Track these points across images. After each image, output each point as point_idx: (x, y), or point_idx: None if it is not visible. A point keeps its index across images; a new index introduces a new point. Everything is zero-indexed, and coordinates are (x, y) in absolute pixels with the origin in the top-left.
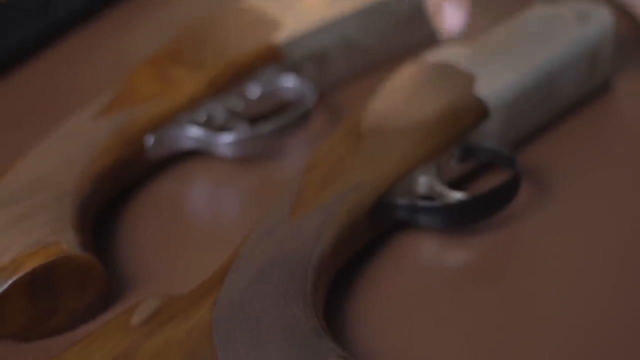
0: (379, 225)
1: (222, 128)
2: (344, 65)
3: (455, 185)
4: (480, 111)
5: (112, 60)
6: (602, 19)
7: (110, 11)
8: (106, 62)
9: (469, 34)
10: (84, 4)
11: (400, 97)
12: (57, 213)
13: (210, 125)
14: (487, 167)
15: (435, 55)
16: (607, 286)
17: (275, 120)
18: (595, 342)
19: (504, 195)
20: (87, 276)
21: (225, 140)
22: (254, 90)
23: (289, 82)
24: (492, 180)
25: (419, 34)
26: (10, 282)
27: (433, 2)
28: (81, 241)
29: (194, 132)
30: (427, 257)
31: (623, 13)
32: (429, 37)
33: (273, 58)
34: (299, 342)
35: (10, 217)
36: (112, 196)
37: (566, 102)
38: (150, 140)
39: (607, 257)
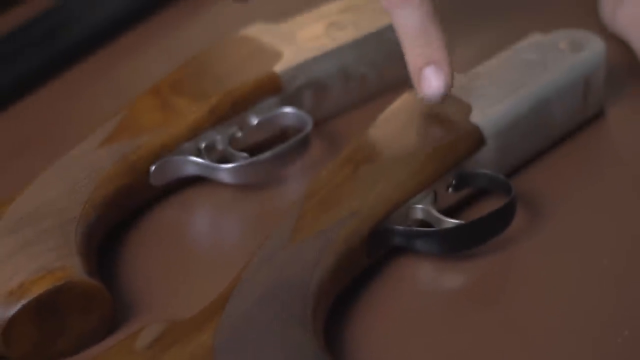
0: (377, 251)
1: (223, 156)
2: (342, 95)
3: (451, 209)
4: (476, 139)
5: (115, 89)
6: (595, 47)
7: (112, 42)
8: (109, 91)
9: (466, 63)
10: (87, 36)
11: (397, 126)
12: (62, 239)
13: (210, 153)
14: (483, 193)
15: None
16: (603, 309)
17: (275, 148)
18: None
19: (500, 220)
20: (93, 301)
21: (226, 168)
22: (253, 119)
23: (287, 111)
24: (488, 206)
25: None
26: (18, 306)
27: (413, 67)
28: (86, 267)
29: (195, 161)
30: (424, 282)
31: (616, 42)
32: None
33: (272, 87)
34: None
35: (18, 243)
36: (116, 222)
37: (560, 129)
38: (152, 168)
39: (602, 280)
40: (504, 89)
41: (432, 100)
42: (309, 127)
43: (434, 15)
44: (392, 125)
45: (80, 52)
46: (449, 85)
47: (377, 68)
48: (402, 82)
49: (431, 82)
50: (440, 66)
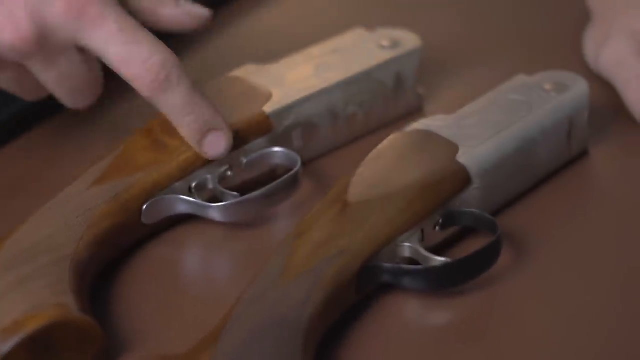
0: (366, 288)
1: (213, 195)
2: (330, 134)
3: (438, 247)
4: (462, 178)
5: (108, 129)
6: (579, 88)
7: (106, 81)
8: (103, 131)
9: (453, 104)
10: None
11: (385, 165)
12: (56, 276)
13: (201, 192)
14: (469, 230)
15: (419, 124)
16: (587, 344)
17: (264, 187)
18: None
19: (486, 258)
20: (86, 338)
21: (216, 207)
22: (243, 158)
23: (277, 150)
24: (474, 243)
25: (404, 103)
26: (12, 343)
27: (192, 138)
28: (80, 304)
29: (186, 199)
30: (411, 318)
31: (600, 82)
32: (413, 107)
33: (262, 127)
34: None
35: (12, 280)
36: (109, 260)
37: (545, 169)
38: (144, 207)
39: (585, 316)
40: (490, 130)
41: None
42: (298, 166)
43: (195, 87)
44: (380, 165)
45: None
46: (231, 141)
47: (366, 108)
48: (390, 121)
49: (216, 145)
50: (219, 128)
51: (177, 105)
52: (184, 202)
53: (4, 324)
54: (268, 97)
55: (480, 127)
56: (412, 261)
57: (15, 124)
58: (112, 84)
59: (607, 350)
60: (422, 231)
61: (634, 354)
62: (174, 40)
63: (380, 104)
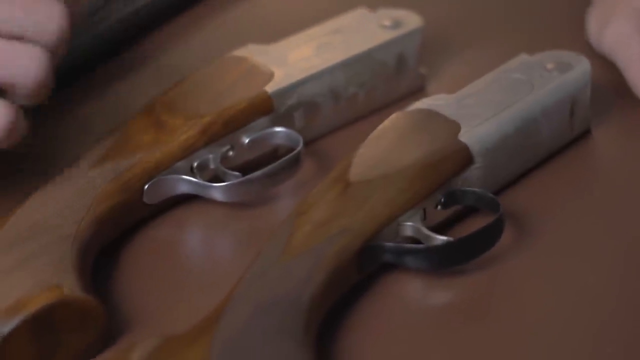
0: (367, 267)
1: (215, 175)
2: (332, 114)
3: (440, 226)
4: (464, 157)
5: (109, 109)
6: (581, 67)
7: (106, 61)
8: (103, 111)
9: (455, 83)
10: (81, 56)
11: (387, 144)
12: (58, 256)
13: (203, 172)
14: (471, 210)
15: (421, 104)
16: (590, 322)
17: (266, 167)
18: None
19: (488, 237)
20: (88, 317)
21: (218, 187)
22: (245, 138)
23: (279, 130)
24: (476, 223)
25: (406, 83)
26: (14, 323)
27: None
28: (82, 283)
29: (187, 179)
30: (413, 297)
31: (602, 61)
32: (415, 87)
33: (264, 107)
34: None
35: (14, 260)
36: (111, 239)
37: (547, 148)
38: (146, 187)
39: (588, 295)
40: (492, 109)
41: None
42: (300, 146)
43: None
44: (382, 144)
45: (76, 72)
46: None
47: (367, 88)
48: (392, 101)
49: None
50: None
51: None
52: (186, 182)
53: (6, 304)
54: (270, 76)
55: (482, 106)
56: (414, 240)
57: None
58: (113, 62)
59: (610, 329)
60: (424, 210)
61: (636, 333)
62: (175, 18)
63: (382, 84)
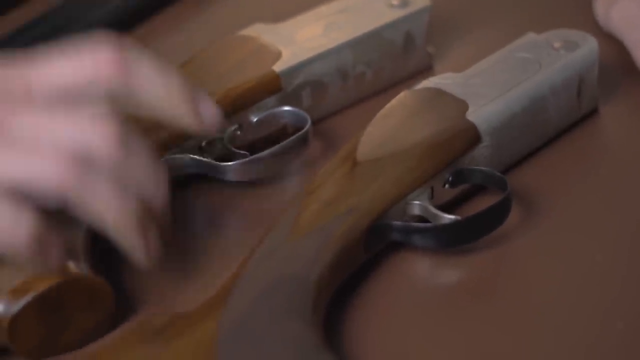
0: (375, 246)
1: (223, 154)
2: (340, 93)
3: (448, 205)
4: (472, 136)
5: None
6: (588, 46)
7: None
8: None
9: (462, 62)
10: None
11: (394, 124)
12: (66, 236)
13: (211, 151)
14: (478, 189)
15: (429, 82)
16: (597, 302)
17: (274, 146)
18: (585, 356)
19: (496, 216)
20: (96, 297)
21: (226, 166)
22: (253, 117)
23: (286, 109)
24: (484, 201)
25: (413, 62)
26: (23, 302)
27: None
28: (89, 263)
29: (196, 159)
30: (421, 276)
31: (609, 40)
32: (422, 66)
33: (272, 86)
34: (302, 358)
35: None
36: None
37: (555, 127)
38: None
39: (595, 274)
40: (499, 88)
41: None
42: (308, 125)
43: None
44: (389, 123)
45: None
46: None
47: (375, 67)
48: (399, 80)
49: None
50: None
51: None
52: (194, 162)
53: (14, 284)
54: (277, 56)
55: (489, 85)
56: (421, 219)
57: None
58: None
59: (618, 306)
60: (432, 189)
61: None
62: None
63: (390, 63)
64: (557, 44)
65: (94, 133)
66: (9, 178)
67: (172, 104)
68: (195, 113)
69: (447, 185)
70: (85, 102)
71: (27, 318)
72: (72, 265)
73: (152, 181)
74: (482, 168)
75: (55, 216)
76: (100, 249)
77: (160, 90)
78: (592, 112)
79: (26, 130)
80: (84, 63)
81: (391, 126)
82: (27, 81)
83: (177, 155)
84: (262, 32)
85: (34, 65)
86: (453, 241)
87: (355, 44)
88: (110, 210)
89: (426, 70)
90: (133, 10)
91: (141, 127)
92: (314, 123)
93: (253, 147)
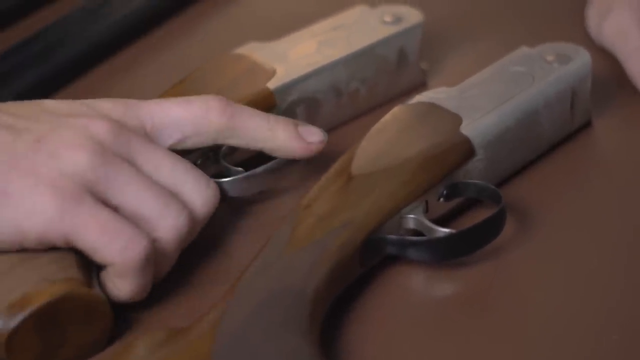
0: (371, 259)
1: (218, 170)
2: (334, 110)
3: (443, 218)
4: (466, 150)
5: None
6: (581, 59)
7: (109, 59)
8: None
9: (456, 76)
10: (84, 53)
11: (389, 138)
12: (62, 251)
13: (205, 167)
14: (473, 202)
15: (422, 97)
16: (591, 314)
17: (269, 162)
18: None
19: (490, 229)
20: (93, 312)
21: (222, 182)
22: None
23: None
24: (478, 215)
25: (407, 79)
26: (20, 317)
27: None
28: (87, 278)
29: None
30: (416, 289)
31: (602, 53)
32: (416, 82)
33: (266, 103)
34: None
35: (20, 255)
36: None
37: (548, 140)
38: None
39: (589, 286)
40: (493, 101)
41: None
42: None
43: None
44: (383, 138)
45: (78, 69)
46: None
47: (368, 83)
48: (393, 97)
49: (311, 132)
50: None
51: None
52: None
53: (11, 299)
54: (272, 73)
55: (483, 99)
56: (416, 233)
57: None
58: (116, 60)
59: (614, 319)
60: (426, 203)
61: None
62: (177, 18)
63: (384, 80)
64: (550, 57)
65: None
66: (131, 209)
67: (278, 137)
68: (300, 139)
69: (441, 199)
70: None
71: (24, 333)
72: (69, 281)
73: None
74: (477, 181)
75: None
76: (98, 264)
77: (264, 127)
78: (586, 125)
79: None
80: (195, 106)
81: (385, 140)
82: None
83: None
84: (256, 50)
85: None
86: (448, 254)
87: (348, 61)
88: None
89: (420, 86)
90: (128, 27)
91: None
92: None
93: (248, 164)
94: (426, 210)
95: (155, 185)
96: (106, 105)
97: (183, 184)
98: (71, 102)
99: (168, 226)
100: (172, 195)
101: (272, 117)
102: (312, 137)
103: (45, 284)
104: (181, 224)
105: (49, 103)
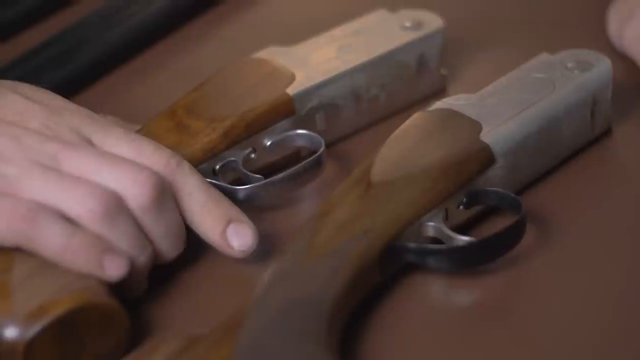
0: (390, 268)
1: (237, 177)
2: (353, 116)
3: (462, 226)
4: (486, 157)
5: (131, 111)
6: (602, 66)
7: (127, 63)
8: (125, 113)
9: (476, 83)
10: (102, 57)
11: (409, 145)
12: None
13: (225, 174)
14: (493, 210)
15: (443, 104)
16: (612, 324)
17: (288, 169)
18: None
19: (510, 237)
20: (111, 320)
21: (241, 189)
22: (267, 141)
23: (300, 132)
24: (498, 223)
25: (427, 85)
26: (38, 327)
27: (212, 235)
28: (104, 287)
29: (210, 182)
30: (435, 298)
31: (623, 60)
32: (436, 88)
33: (286, 110)
34: None
35: (37, 265)
36: None
37: (568, 147)
38: None
39: (609, 294)
40: (513, 108)
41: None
42: (322, 148)
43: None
44: (403, 145)
45: (95, 74)
46: (256, 233)
47: (388, 89)
48: (413, 103)
49: (242, 235)
50: (240, 220)
51: (196, 188)
52: None
53: (29, 308)
54: (291, 79)
55: (503, 106)
56: (436, 240)
57: None
58: (134, 64)
59: (633, 330)
60: (446, 210)
61: None
62: (196, 22)
63: (403, 86)
64: (570, 64)
65: (135, 181)
66: (53, 204)
67: (204, 221)
68: (223, 238)
69: (461, 207)
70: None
71: (42, 343)
72: (87, 290)
73: (169, 242)
74: (497, 189)
75: None
76: None
77: (198, 203)
78: (606, 132)
79: (74, 167)
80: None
81: (405, 148)
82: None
83: None
84: (275, 55)
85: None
86: (468, 263)
87: (368, 67)
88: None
89: (440, 92)
90: (147, 31)
91: None
92: (327, 146)
93: (267, 171)
94: (446, 218)
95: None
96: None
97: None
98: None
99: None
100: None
101: (211, 201)
102: (237, 242)
103: (64, 293)
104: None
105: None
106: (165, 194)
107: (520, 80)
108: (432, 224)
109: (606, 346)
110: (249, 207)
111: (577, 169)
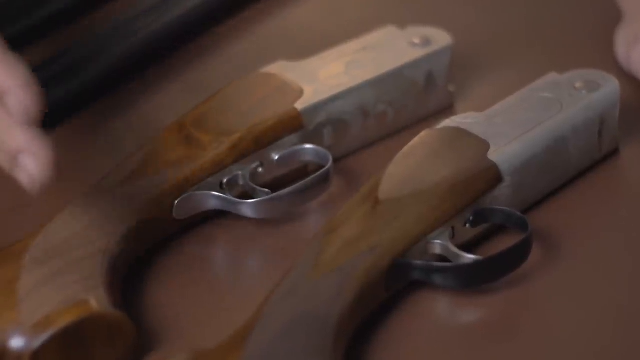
0: (396, 285)
1: (244, 191)
2: (361, 132)
3: (469, 244)
4: (493, 176)
5: (140, 124)
6: (610, 87)
7: (136, 77)
8: (133, 126)
9: (484, 102)
10: (111, 71)
11: (416, 162)
12: (88, 271)
13: (232, 188)
14: (499, 228)
15: (450, 122)
16: (617, 343)
17: (295, 184)
18: None
19: (517, 256)
20: (118, 333)
21: (248, 203)
22: (274, 155)
23: (308, 147)
24: (504, 241)
25: (434, 101)
26: (44, 337)
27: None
28: (111, 298)
29: (217, 195)
30: (441, 316)
31: (631, 81)
32: (444, 105)
33: (294, 124)
34: None
35: (44, 275)
36: (140, 255)
37: (575, 167)
38: (176, 202)
39: (616, 314)
40: (521, 127)
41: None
42: (330, 163)
43: None
44: (411, 162)
45: (104, 88)
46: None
47: (396, 106)
48: (420, 119)
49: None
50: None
51: None
52: (216, 198)
53: (36, 319)
54: (299, 93)
55: (511, 125)
56: (442, 258)
57: (45, 119)
58: (143, 78)
59: (639, 351)
60: (453, 228)
61: None
62: (205, 35)
63: (411, 102)
64: (578, 84)
65: None
66: None
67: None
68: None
69: (468, 225)
70: None
71: (48, 353)
72: (93, 301)
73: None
74: (503, 208)
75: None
76: (122, 284)
77: None
78: (613, 153)
79: None
80: None
81: (413, 165)
82: None
83: (199, 192)
84: (284, 70)
85: None
86: (474, 281)
87: (376, 83)
88: None
89: (447, 109)
90: (157, 44)
91: (165, 162)
92: (335, 161)
93: (274, 185)
94: (452, 236)
95: None
96: None
97: None
98: None
99: None
100: None
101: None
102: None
103: (70, 304)
104: None
105: None
106: None
107: (528, 99)
108: (438, 241)
109: None
110: (256, 221)
111: (584, 188)
